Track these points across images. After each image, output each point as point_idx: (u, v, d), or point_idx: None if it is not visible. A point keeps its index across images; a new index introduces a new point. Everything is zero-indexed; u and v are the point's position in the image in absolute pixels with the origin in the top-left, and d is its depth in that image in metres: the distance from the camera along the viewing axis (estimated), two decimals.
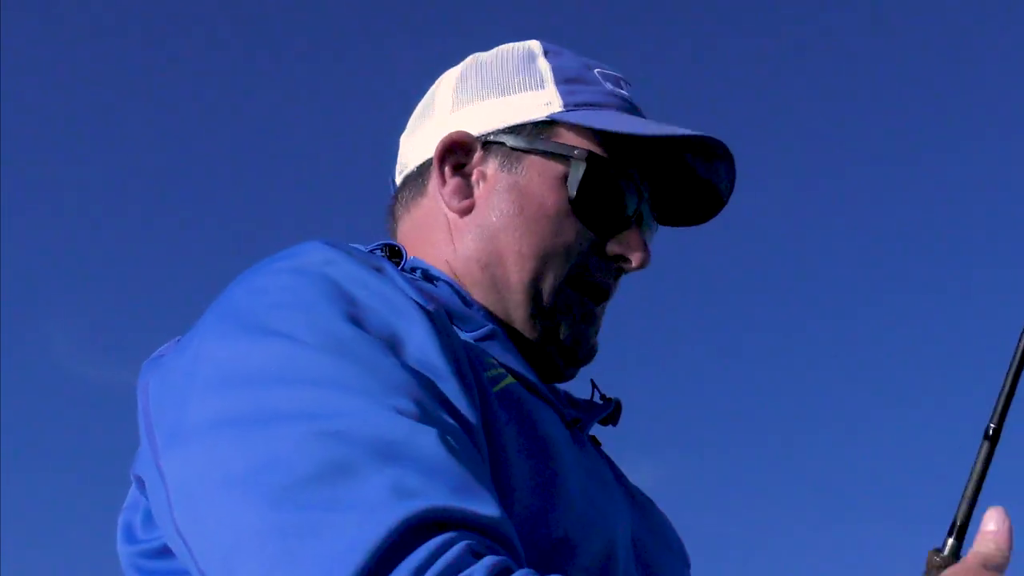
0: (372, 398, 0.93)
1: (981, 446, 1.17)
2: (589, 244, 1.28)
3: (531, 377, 1.21)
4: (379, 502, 0.86)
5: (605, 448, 1.38)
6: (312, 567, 0.84)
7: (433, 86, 1.41)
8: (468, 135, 1.31)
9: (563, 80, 1.33)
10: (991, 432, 1.17)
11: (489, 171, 1.30)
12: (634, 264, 1.29)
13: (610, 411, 1.35)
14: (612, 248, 1.29)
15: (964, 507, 1.14)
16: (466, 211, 1.30)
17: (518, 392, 1.15)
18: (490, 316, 1.25)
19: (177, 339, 1.11)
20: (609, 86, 1.35)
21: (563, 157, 1.27)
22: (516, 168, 1.29)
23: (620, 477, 1.33)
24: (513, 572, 0.87)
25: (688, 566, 1.36)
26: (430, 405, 0.96)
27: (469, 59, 1.39)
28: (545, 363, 1.28)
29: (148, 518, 1.10)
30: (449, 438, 0.93)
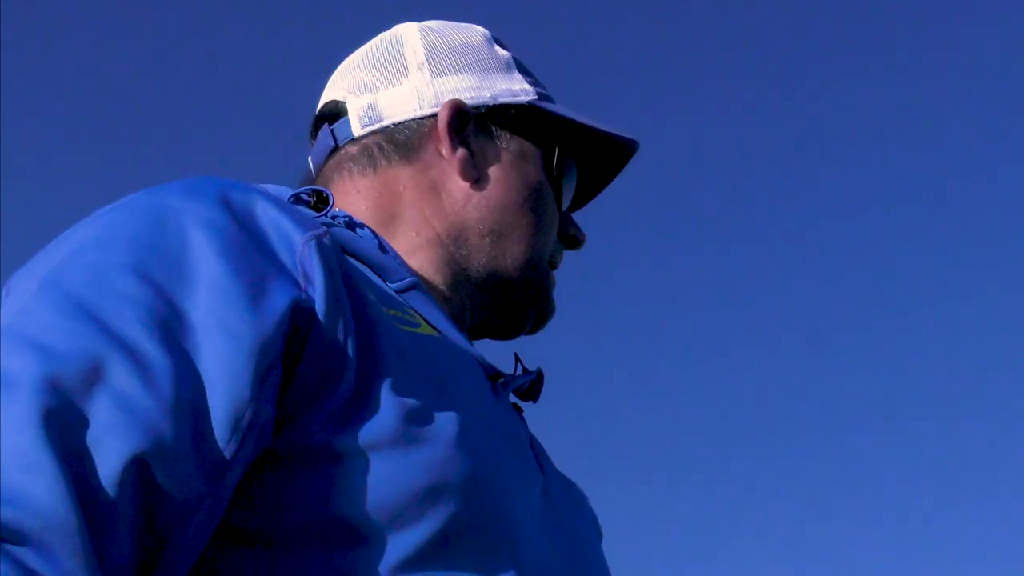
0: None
1: None
2: (557, 223, 1.37)
3: (452, 332, 1.20)
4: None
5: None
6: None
7: (389, 41, 1.38)
8: (467, 106, 1.31)
9: (521, 69, 1.38)
10: None
11: (487, 145, 1.33)
12: (582, 243, 1.40)
13: (533, 379, 1.33)
14: (566, 228, 1.38)
15: None
16: (475, 182, 1.31)
17: (434, 340, 1.13)
18: (410, 269, 1.24)
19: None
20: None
21: (546, 143, 1.35)
22: (510, 146, 1.33)
23: (537, 447, 1.29)
24: None
25: (601, 537, 1.34)
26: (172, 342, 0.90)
27: (420, 26, 1.38)
28: (504, 320, 1.34)
29: None
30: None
